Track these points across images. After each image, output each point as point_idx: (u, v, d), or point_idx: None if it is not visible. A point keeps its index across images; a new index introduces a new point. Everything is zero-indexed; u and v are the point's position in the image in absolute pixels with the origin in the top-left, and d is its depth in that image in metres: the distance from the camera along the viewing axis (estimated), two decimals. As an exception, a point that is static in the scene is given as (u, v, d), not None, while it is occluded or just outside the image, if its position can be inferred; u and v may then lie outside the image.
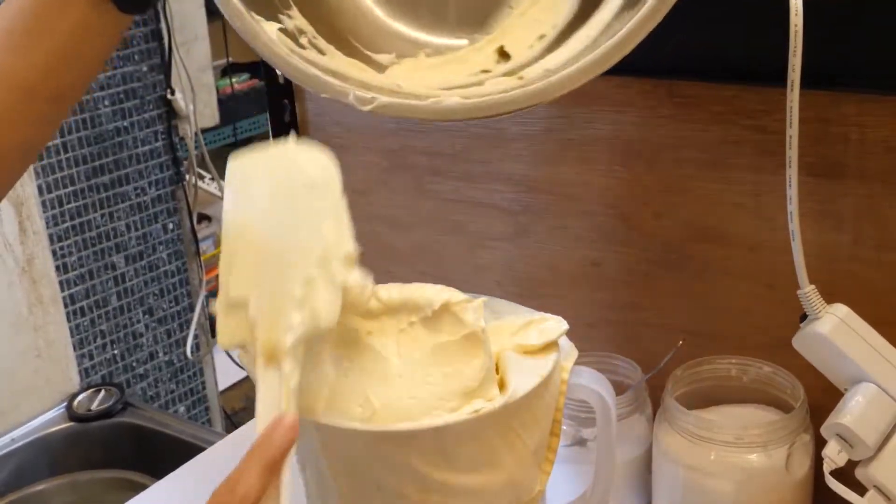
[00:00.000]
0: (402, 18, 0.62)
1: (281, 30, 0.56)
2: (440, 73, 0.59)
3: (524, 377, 0.55)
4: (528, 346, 0.58)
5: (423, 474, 0.53)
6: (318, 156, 0.53)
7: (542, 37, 0.59)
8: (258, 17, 0.54)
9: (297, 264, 0.49)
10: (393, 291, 0.59)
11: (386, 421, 0.53)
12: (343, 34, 0.61)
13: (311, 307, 0.49)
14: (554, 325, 0.59)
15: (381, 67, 0.60)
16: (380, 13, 0.62)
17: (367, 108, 0.52)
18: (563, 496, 0.65)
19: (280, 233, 0.51)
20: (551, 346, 0.58)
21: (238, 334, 0.49)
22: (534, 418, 0.56)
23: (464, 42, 0.61)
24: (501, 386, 0.56)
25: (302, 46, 0.57)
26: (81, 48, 0.53)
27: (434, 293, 0.57)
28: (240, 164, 0.52)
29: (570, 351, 0.60)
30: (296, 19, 0.58)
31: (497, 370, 0.58)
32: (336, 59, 0.58)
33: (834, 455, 0.64)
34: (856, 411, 0.64)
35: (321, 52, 0.58)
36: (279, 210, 0.51)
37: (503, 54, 0.60)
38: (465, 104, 0.52)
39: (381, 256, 0.96)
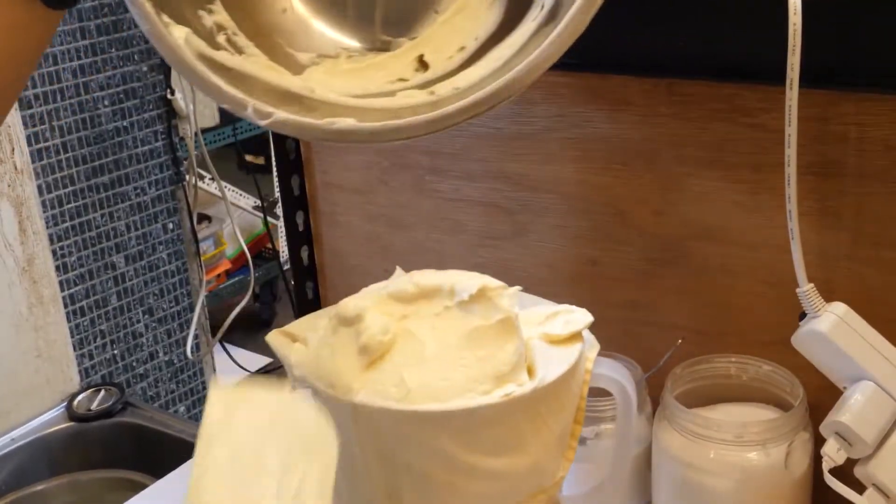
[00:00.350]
0: (327, 16, 0.62)
1: (196, 30, 0.55)
2: (356, 79, 0.58)
3: (552, 365, 0.57)
4: (555, 335, 0.60)
5: (452, 455, 0.54)
6: (319, 416, 0.52)
7: (462, 48, 0.58)
8: (168, 20, 0.54)
9: None
10: (429, 277, 0.60)
11: (420, 402, 0.54)
12: (265, 30, 0.60)
13: None
14: (580, 317, 0.61)
15: (299, 67, 0.59)
16: (304, 10, 0.61)
17: (264, 122, 0.52)
18: (564, 491, 0.65)
19: (260, 471, 0.50)
20: (576, 336, 0.60)
21: None
22: (560, 405, 0.57)
23: (387, 43, 0.61)
24: (529, 373, 0.57)
25: (217, 46, 0.56)
26: (16, 46, 0.54)
27: (470, 279, 0.59)
28: (243, 388, 0.52)
29: (592, 342, 0.61)
30: (217, 14, 0.58)
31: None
32: (251, 60, 0.57)
33: (833, 453, 0.64)
34: (855, 409, 0.64)
35: (239, 49, 0.57)
36: (267, 450, 0.51)
37: (422, 63, 0.59)
38: (359, 127, 0.51)
39: (382, 256, 0.96)
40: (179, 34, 0.54)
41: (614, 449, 0.65)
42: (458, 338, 0.56)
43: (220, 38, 0.57)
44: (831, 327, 0.65)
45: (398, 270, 0.65)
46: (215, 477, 0.50)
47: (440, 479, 0.55)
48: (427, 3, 0.60)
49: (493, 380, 0.55)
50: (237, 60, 0.56)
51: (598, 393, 0.66)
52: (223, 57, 0.56)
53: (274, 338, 0.59)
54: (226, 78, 0.54)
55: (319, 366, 0.57)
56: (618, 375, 0.62)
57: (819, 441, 0.66)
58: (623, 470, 0.66)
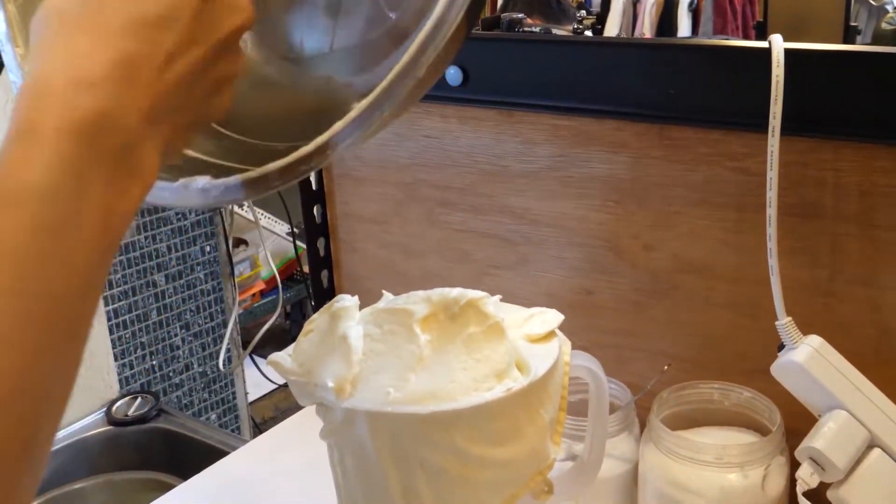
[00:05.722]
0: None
1: None
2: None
3: (538, 360, 0.58)
4: (534, 335, 0.61)
5: (464, 449, 0.55)
6: None
7: None
8: None
9: None
10: (418, 296, 0.61)
11: (432, 404, 0.55)
12: None
13: None
14: (553, 317, 0.63)
15: None
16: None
17: None
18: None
19: None
20: (551, 334, 0.62)
21: None
22: (548, 395, 0.59)
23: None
24: (519, 369, 0.58)
25: None
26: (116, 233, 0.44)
27: (458, 293, 0.60)
28: None
29: (564, 339, 0.63)
30: None
31: None
32: None
33: (807, 477, 0.62)
34: (828, 436, 0.62)
35: None
36: None
37: None
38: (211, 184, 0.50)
39: (395, 281, 0.95)
40: None
41: (590, 425, 0.66)
42: (456, 345, 0.57)
43: None
44: (807, 358, 0.64)
45: (386, 294, 0.65)
46: None
47: (454, 473, 0.56)
48: None
49: (493, 378, 0.56)
50: None
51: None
52: None
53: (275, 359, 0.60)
54: None
55: (314, 373, 0.58)
56: (590, 364, 0.64)
57: (794, 465, 0.65)
58: (600, 446, 0.66)
